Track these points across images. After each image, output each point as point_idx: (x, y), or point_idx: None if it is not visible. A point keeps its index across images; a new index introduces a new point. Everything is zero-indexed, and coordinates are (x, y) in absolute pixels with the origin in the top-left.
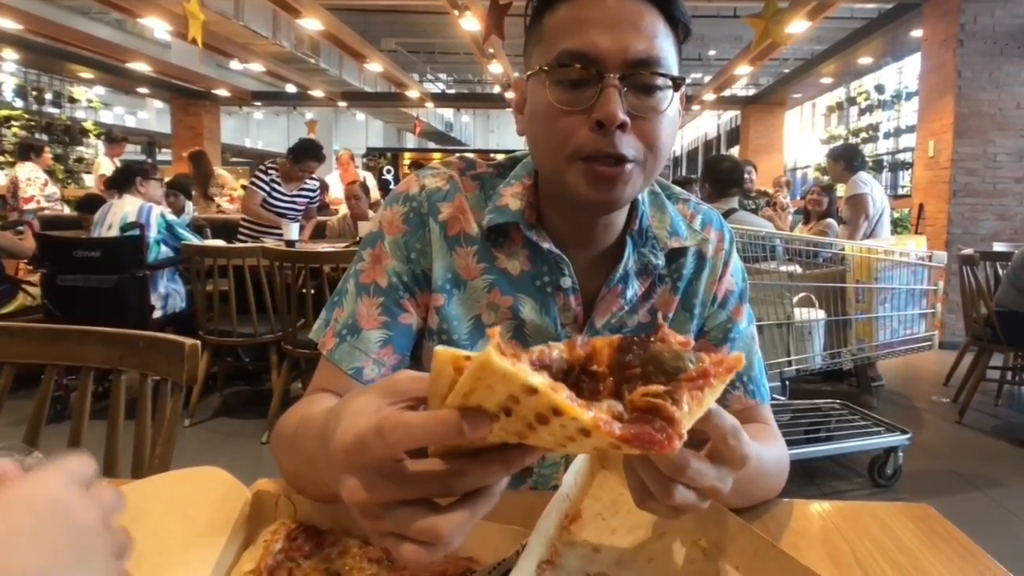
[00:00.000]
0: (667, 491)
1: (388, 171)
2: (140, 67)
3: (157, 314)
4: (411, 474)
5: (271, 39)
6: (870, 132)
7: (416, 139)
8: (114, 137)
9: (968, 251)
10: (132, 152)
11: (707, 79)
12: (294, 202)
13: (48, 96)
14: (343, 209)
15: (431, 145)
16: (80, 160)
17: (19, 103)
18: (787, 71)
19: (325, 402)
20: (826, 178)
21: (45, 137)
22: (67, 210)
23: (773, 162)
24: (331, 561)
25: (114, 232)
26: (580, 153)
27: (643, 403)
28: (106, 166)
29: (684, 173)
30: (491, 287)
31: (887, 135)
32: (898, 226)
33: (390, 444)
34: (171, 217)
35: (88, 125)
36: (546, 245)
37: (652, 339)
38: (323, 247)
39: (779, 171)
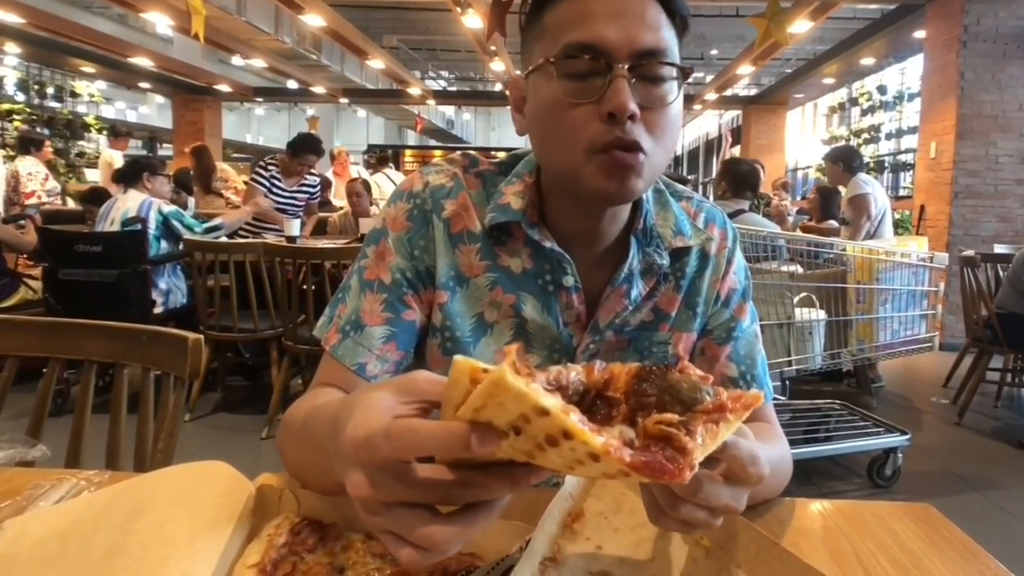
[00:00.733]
0: (676, 508)
1: (389, 166)
2: (142, 62)
3: (158, 309)
4: (417, 478)
5: (273, 35)
6: (872, 133)
7: (417, 136)
8: (119, 131)
9: (969, 253)
10: (133, 147)
11: (709, 78)
12: (294, 198)
13: (50, 90)
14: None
15: (432, 143)
16: (81, 155)
17: (21, 97)
18: (789, 71)
19: (332, 395)
20: (827, 179)
21: (47, 131)
22: (71, 204)
23: (775, 162)
24: (335, 555)
25: (116, 227)
26: (595, 146)
27: (656, 431)
28: (118, 161)
29: (684, 172)
30: (493, 285)
31: (889, 136)
32: (899, 227)
33: (397, 448)
34: (168, 209)
35: (90, 120)
36: (548, 244)
37: (671, 369)
38: (324, 243)
39: (780, 171)
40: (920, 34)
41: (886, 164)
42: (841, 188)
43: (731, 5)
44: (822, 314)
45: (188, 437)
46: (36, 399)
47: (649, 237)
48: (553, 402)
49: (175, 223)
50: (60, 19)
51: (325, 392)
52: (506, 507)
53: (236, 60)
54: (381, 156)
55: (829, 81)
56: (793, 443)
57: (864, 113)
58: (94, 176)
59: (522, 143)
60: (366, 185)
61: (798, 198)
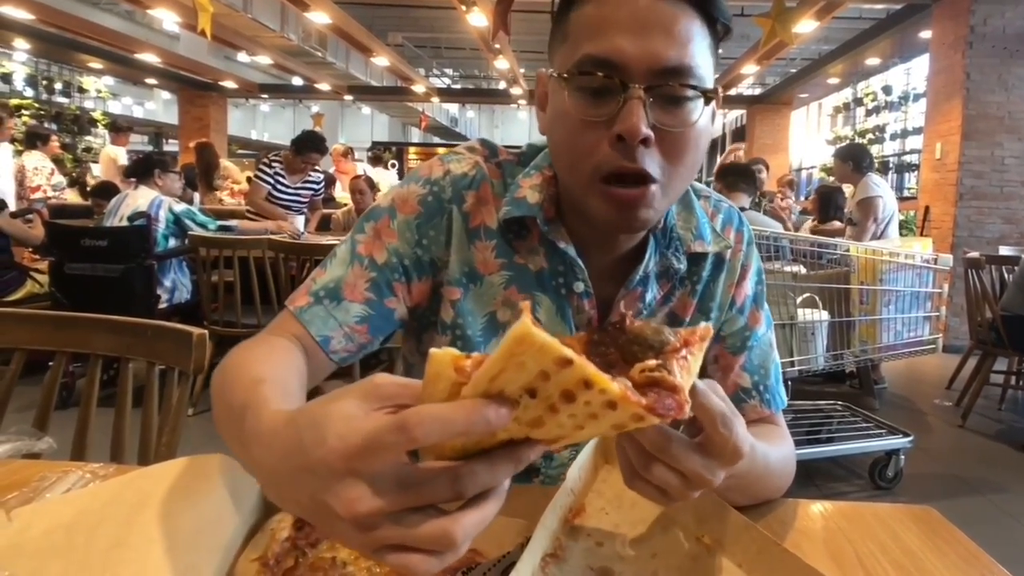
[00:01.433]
0: (649, 469)
1: (393, 165)
2: (149, 58)
3: (162, 304)
4: (424, 476)
5: (279, 32)
6: (877, 133)
7: (421, 134)
8: (119, 126)
9: (974, 254)
10: (139, 143)
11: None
12: (298, 195)
13: (58, 86)
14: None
15: (436, 140)
16: (88, 150)
17: (29, 92)
18: (794, 71)
19: (283, 357)
20: (831, 179)
21: (54, 126)
22: (78, 198)
23: (779, 161)
24: (337, 551)
25: (125, 224)
26: (600, 172)
27: (643, 379)
28: (122, 156)
29: None
30: (508, 284)
31: (894, 136)
32: (904, 228)
33: (414, 439)
34: (179, 208)
35: (97, 115)
36: (563, 245)
37: (621, 324)
38: (328, 240)
39: (784, 171)
40: (926, 34)
41: (891, 165)
42: (847, 187)
43: (736, 4)
44: (825, 315)
45: (191, 431)
46: (42, 392)
47: (668, 239)
48: (572, 352)
49: (187, 221)
50: (68, 15)
51: (278, 352)
52: (509, 501)
53: (242, 57)
54: (375, 156)
55: (834, 81)
56: (795, 444)
57: (869, 113)
58: (99, 170)
59: (527, 139)
60: (369, 182)
61: (802, 198)
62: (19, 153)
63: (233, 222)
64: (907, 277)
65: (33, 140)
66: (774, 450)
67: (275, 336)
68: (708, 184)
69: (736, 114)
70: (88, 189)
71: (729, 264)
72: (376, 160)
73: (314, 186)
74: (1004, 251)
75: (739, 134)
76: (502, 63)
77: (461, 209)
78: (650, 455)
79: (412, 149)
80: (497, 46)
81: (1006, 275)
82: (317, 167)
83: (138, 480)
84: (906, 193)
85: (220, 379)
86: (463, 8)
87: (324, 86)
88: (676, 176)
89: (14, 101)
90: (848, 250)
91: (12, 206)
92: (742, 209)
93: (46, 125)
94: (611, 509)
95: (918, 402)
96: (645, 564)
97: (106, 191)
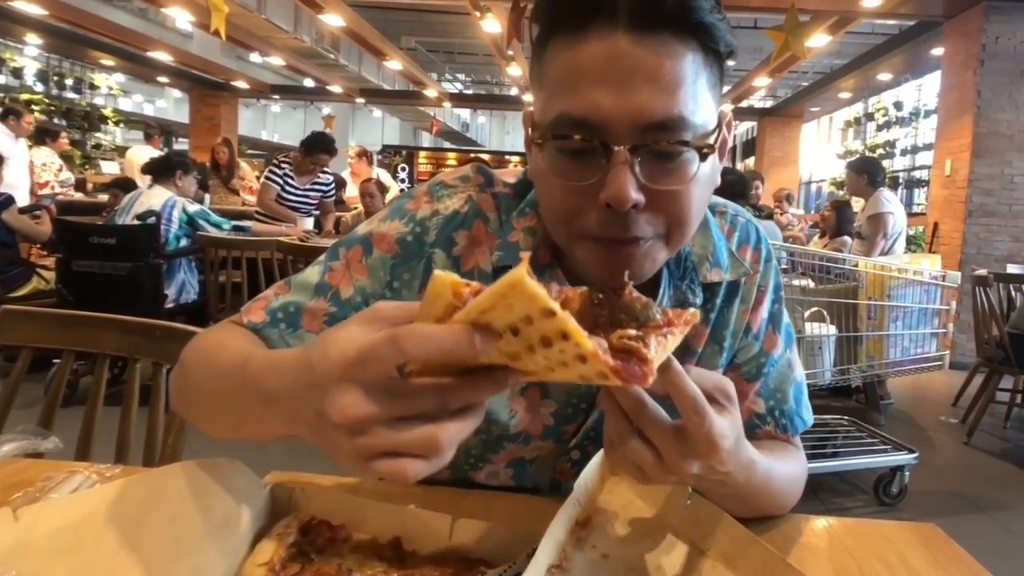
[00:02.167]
0: (625, 442)
1: (402, 169)
2: (161, 56)
3: (169, 304)
4: (413, 388)
5: (292, 33)
6: (887, 148)
7: (432, 138)
8: (150, 132)
9: (982, 272)
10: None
11: (725, 89)
12: (307, 196)
13: (69, 82)
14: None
15: (447, 145)
16: (98, 146)
17: (40, 88)
18: (805, 84)
19: (255, 339)
20: (841, 192)
21: (64, 122)
22: (88, 195)
23: (788, 174)
24: (343, 556)
25: (135, 222)
26: (589, 234)
27: (620, 345)
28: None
29: None
30: None
31: (904, 152)
32: (912, 244)
33: (404, 351)
34: (193, 208)
35: (107, 112)
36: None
37: (620, 292)
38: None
39: (794, 184)
40: (938, 51)
41: (900, 180)
42: (856, 200)
43: (749, 17)
44: (832, 329)
45: (197, 432)
46: (50, 390)
47: (683, 269)
48: (556, 306)
49: (201, 222)
50: (81, 11)
51: (251, 336)
52: (515, 511)
53: (254, 57)
54: (383, 162)
55: (845, 95)
56: None
57: (880, 128)
58: (109, 168)
59: None
60: (379, 185)
61: (812, 211)
62: (28, 148)
63: (246, 223)
64: (915, 293)
65: (42, 136)
66: (780, 466)
67: (230, 326)
68: None
69: (747, 126)
70: (89, 189)
71: (744, 289)
72: (384, 167)
73: (323, 187)
74: (1012, 269)
75: (750, 146)
76: (515, 70)
77: (451, 253)
78: (629, 430)
79: (423, 154)
80: (510, 53)
81: (1013, 293)
82: (327, 168)
83: (146, 482)
84: (915, 209)
85: (198, 356)
86: (477, 14)
87: (336, 88)
88: (676, 229)
89: (24, 96)
90: (856, 265)
91: (27, 201)
92: None
93: (56, 121)
94: (617, 522)
95: (923, 419)
96: None
97: (125, 185)
